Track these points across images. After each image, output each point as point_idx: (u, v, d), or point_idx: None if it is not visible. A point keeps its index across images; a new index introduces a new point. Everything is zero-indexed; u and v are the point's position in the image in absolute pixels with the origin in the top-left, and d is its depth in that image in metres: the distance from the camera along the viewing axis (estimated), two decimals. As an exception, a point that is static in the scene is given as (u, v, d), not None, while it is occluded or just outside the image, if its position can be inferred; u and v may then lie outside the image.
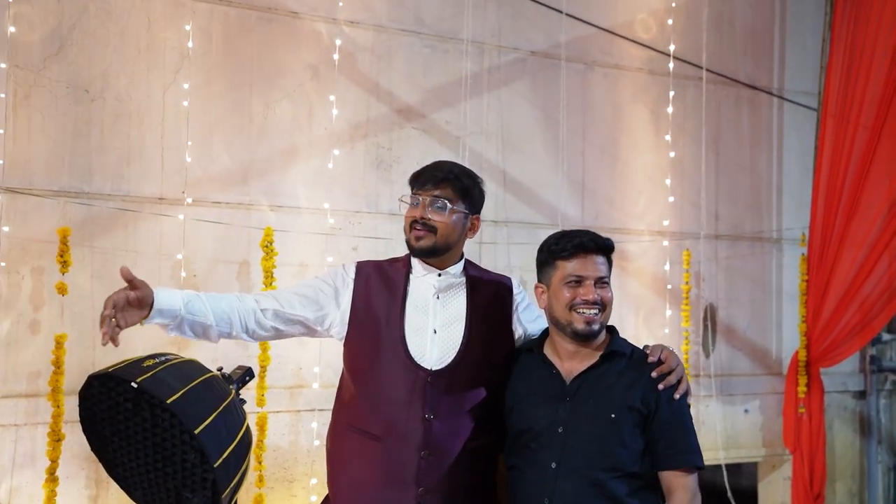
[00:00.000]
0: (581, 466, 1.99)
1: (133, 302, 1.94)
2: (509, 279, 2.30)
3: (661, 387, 2.02)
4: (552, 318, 2.10)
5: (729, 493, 4.38)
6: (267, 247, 3.39)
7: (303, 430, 3.58)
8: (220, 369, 2.26)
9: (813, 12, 4.78)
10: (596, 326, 2.05)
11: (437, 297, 2.17)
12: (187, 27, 3.43)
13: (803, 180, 4.70)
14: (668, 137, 4.35)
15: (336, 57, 3.67)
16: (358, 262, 2.25)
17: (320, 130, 3.70)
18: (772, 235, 4.72)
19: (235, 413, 2.08)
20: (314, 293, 2.18)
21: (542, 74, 4.16)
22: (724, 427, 4.50)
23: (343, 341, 2.21)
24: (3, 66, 3.15)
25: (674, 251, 4.34)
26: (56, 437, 3.04)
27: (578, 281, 2.05)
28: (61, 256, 3.07)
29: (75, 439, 2.94)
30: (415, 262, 2.21)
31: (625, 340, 2.15)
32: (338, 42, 3.68)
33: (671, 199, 4.35)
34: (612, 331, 2.15)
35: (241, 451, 2.04)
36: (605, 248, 2.09)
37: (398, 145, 3.85)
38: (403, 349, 2.11)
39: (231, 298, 2.13)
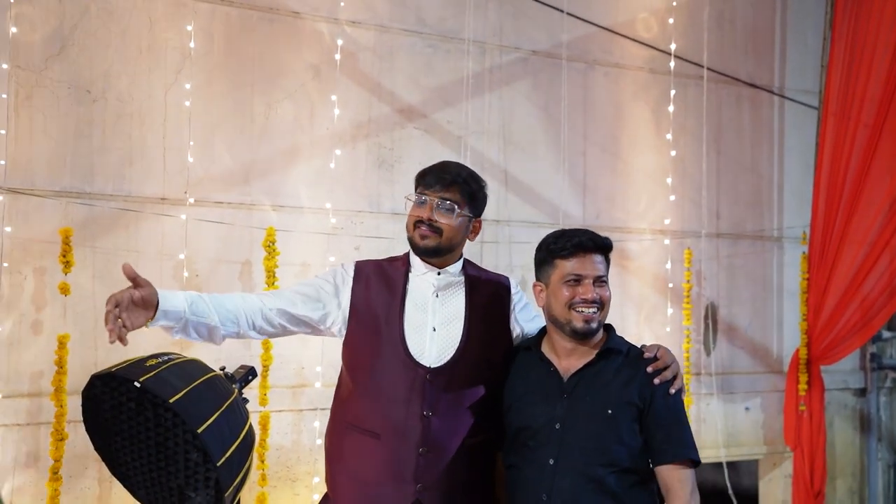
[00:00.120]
0: (578, 463, 2.00)
1: (138, 301, 1.93)
2: (507, 279, 2.31)
3: (656, 381, 2.04)
4: (550, 317, 2.11)
5: (730, 491, 4.39)
6: (269, 247, 3.40)
7: (305, 429, 3.59)
8: (222, 369, 2.27)
9: (814, 11, 4.79)
10: (594, 325, 2.06)
11: (437, 296, 2.19)
12: (189, 27, 3.44)
13: (804, 179, 4.71)
14: (669, 136, 4.35)
15: (338, 57, 3.68)
16: (357, 262, 2.26)
17: (322, 130, 3.70)
18: (773, 234, 4.72)
19: (238, 412, 2.08)
20: (315, 292, 2.20)
21: (544, 74, 4.17)
22: (724, 425, 4.51)
23: (342, 339, 2.22)
24: (5, 66, 3.16)
25: (675, 250, 4.35)
26: (59, 437, 3.05)
27: (577, 280, 2.06)
28: (63, 257, 3.08)
29: (78, 439, 2.94)
30: (414, 260, 2.22)
31: (621, 338, 2.17)
32: (339, 42, 3.69)
33: (672, 197, 4.36)
34: (609, 329, 2.17)
35: (243, 450, 2.04)
36: (603, 247, 2.11)
37: (400, 145, 3.86)
38: (403, 347, 2.12)
39: (235, 298, 2.14)
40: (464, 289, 2.21)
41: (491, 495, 2.24)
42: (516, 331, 2.25)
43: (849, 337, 4.44)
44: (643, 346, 2.15)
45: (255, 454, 2.31)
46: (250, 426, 2.12)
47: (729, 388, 4.56)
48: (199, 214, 3.43)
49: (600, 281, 2.08)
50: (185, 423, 1.95)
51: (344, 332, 2.20)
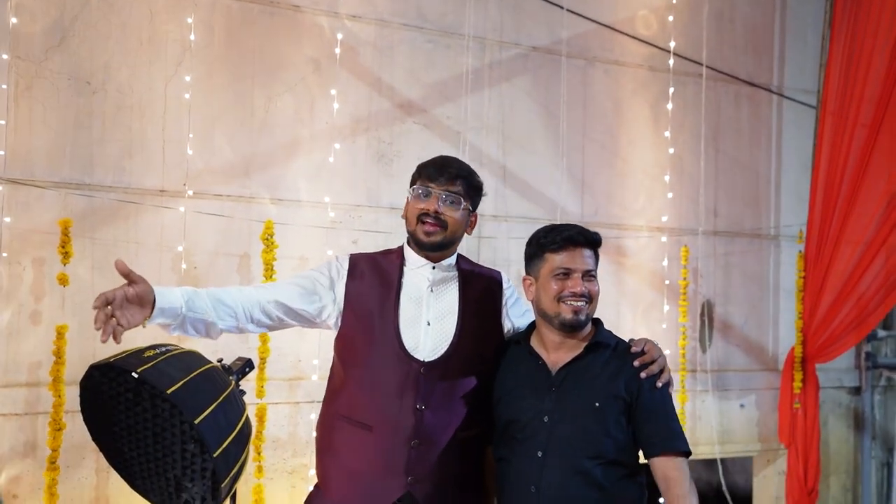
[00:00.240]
0: (567, 455, 2.02)
1: (132, 298, 1.85)
2: (499, 273, 2.32)
3: (643, 375, 2.06)
4: (539, 310, 2.13)
5: (724, 487, 4.41)
6: (267, 240, 3.41)
7: (302, 421, 3.61)
8: (220, 360, 2.28)
9: (813, 10, 4.79)
10: (582, 317, 2.08)
11: (431, 290, 2.19)
12: (189, 20, 3.44)
13: (802, 178, 4.72)
14: (667, 134, 4.37)
15: (338, 51, 3.68)
16: (351, 254, 2.25)
17: (321, 124, 3.71)
18: (770, 232, 4.74)
19: (235, 404, 2.10)
20: (312, 284, 2.19)
21: (543, 70, 4.18)
22: (719, 422, 4.53)
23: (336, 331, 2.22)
24: (5, 57, 3.16)
25: (672, 247, 4.36)
26: (57, 427, 3.06)
27: (566, 273, 2.08)
28: (62, 247, 3.09)
29: (76, 429, 2.95)
30: (409, 254, 2.22)
31: (610, 332, 2.19)
32: (339, 36, 3.69)
33: (670, 195, 4.37)
34: (597, 323, 2.19)
35: (240, 442, 2.06)
36: (592, 241, 2.13)
37: (399, 140, 3.87)
38: (397, 341, 2.12)
39: (232, 291, 2.12)
40: (457, 283, 2.22)
41: (481, 487, 2.25)
42: (507, 325, 2.26)
43: (844, 335, 4.45)
44: (631, 340, 2.17)
45: (251, 446, 2.32)
46: (247, 418, 2.13)
47: (724, 386, 4.58)
48: (198, 207, 3.44)
49: (589, 275, 2.10)
50: (182, 414, 1.96)
51: (339, 325, 2.20)
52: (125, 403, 2.05)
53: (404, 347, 2.12)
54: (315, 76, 3.71)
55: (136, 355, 2.01)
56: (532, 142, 4.14)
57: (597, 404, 2.04)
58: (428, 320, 2.16)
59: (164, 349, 2.05)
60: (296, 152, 3.68)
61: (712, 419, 4.49)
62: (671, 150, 4.37)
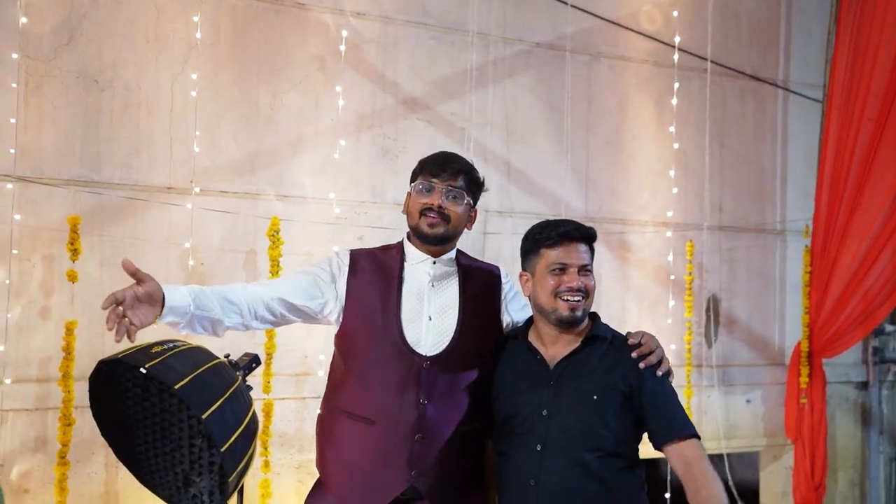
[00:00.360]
0: (565, 448, 2.03)
1: (142, 297, 1.88)
2: (498, 268, 2.34)
3: (641, 365, 2.07)
4: (536, 305, 2.14)
5: (731, 483, 4.41)
6: (273, 236, 3.43)
7: (308, 416, 3.63)
8: (227, 356, 2.30)
9: (819, 4, 4.78)
10: (579, 313, 2.09)
11: (432, 285, 2.20)
12: (195, 18, 3.46)
13: (807, 172, 4.71)
14: (672, 129, 4.36)
15: (342, 48, 3.70)
16: (351, 250, 2.27)
17: (326, 121, 3.73)
18: (775, 227, 4.73)
19: (242, 399, 2.12)
20: (313, 280, 2.20)
21: (547, 66, 4.18)
22: (725, 417, 4.53)
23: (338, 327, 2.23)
24: (15, 56, 3.19)
25: (677, 242, 4.36)
26: (67, 422, 3.09)
27: (563, 269, 2.09)
28: (72, 244, 3.12)
29: (85, 424, 2.98)
30: (409, 249, 2.23)
31: (606, 325, 2.19)
32: (344, 33, 3.71)
33: (675, 190, 4.37)
34: (594, 317, 2.19)
35: (247, 437, 2.08)
36: (588, 236, 2.14)
37: (404, 136, 3.88)
38: (400, 336, 2.13)
39: (236, 288, 2.14)
40: (457, 278, 2.23)
41: (482, 480, 2.27)
42: (507, 319, 2.28)
43: (851, 330, 4.45)
44: (628, 332, 2.18)
45: (258, 441, 2.34)
46: (254, 413, 2.15)
47: (730, 381, 4.58)
48: (205, 203, 3.47)
49: (585, 270, 2.10)
50: (189, 409, 1.98)
51: (340, 321, 2.21)
52: (133, 399, 2.07)
53: (407, 342, 2.14)
54: (320, 73, 3.72)
55: (144, 351, 2.02)
56: (536, 138, 4.15)
57: (595, 397, 2.05)
58: (429, 315, 2.17)
59: (171, 345, 2.07)
60: (301, 149, 3.70)
61: (718, 414, 4.49)
62: (676, 146, 4.37)
